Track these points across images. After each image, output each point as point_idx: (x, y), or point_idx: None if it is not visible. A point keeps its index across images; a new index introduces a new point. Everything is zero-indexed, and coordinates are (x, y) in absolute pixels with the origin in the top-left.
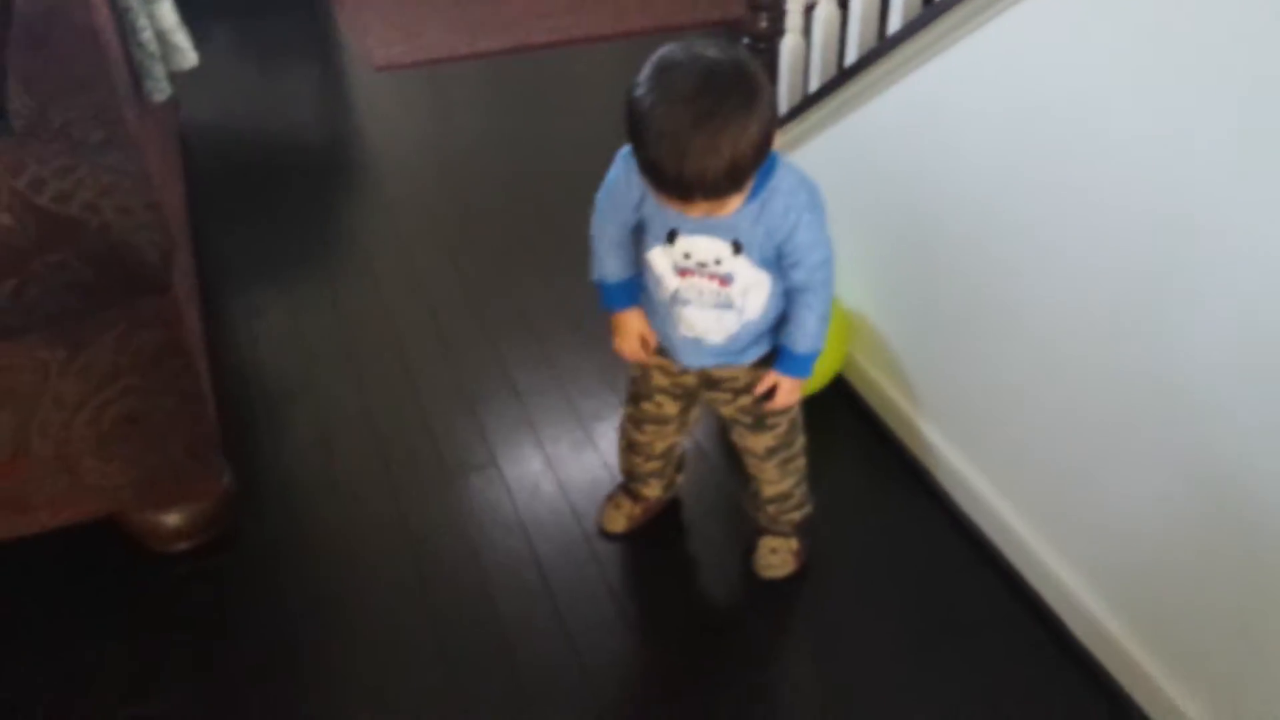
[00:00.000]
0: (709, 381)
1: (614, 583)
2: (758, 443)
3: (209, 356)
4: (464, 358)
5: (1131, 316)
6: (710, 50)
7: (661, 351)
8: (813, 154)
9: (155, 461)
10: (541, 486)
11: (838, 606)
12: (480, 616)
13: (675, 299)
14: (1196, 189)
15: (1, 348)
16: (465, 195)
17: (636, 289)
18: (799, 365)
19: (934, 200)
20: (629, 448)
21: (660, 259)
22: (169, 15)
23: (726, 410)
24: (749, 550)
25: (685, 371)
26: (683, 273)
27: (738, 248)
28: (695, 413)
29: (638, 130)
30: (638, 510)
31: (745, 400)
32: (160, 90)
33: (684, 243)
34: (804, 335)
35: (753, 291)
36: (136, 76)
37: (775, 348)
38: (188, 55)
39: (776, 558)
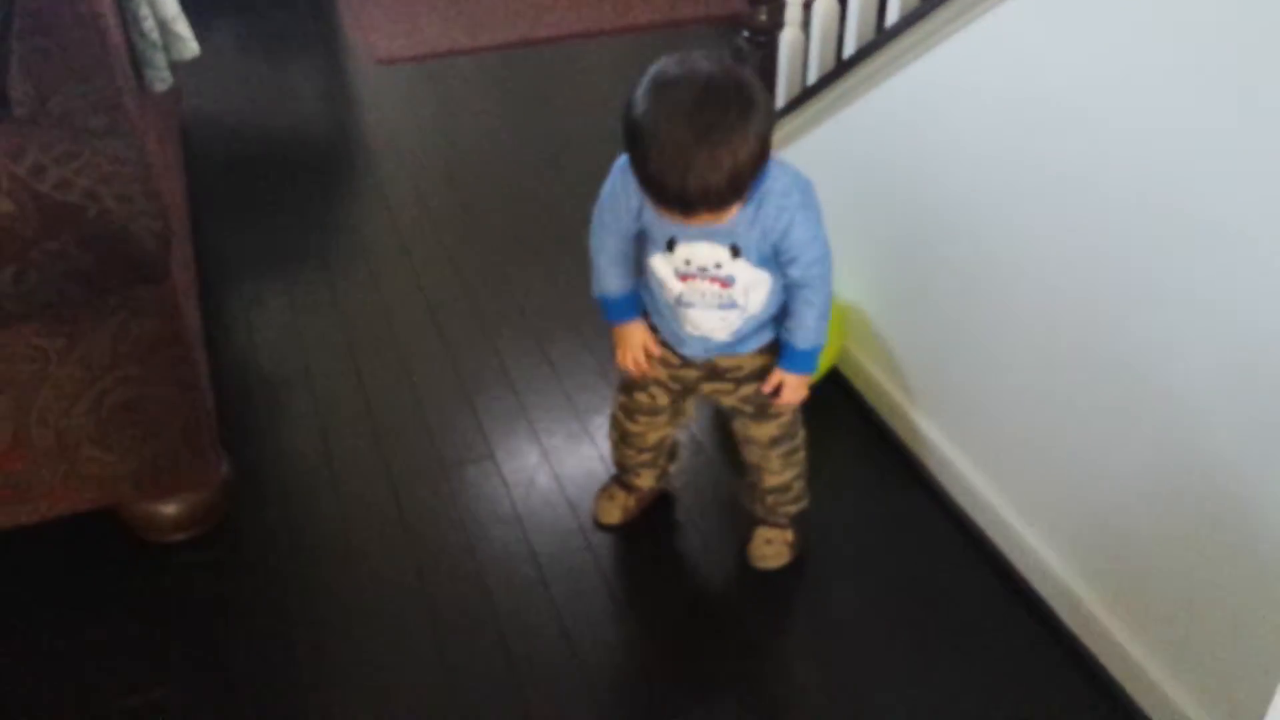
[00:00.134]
0: (711, 373)
1: (609, 574)
2: (762, 432)
3: (207, 347)
4: (462, 351)
5: (1127, 310)
6: (704, 64)
7: (663, 343)
8: (811, 146)
9: (153, 451)
10: (538, 479)
11: (833, 598)
12: (476, 607)
13: (679, 301)
14: (1193, 183)
15: (1, 335)
16: (465, 188)
17: (638, 300)
18: (802, 361)
19: (930, 192)
20: (621, 439)
21: (662, 265)
22: (170, 4)
23: (729, 401)
24: (744, 541)
25: (686, 364)
26: (684, 277)
27: (736, 251)
28: (689, 406)
29: (638, 146)
30: (631, 501)
31: (748, 389)
32: (162, 80)
33: (684, 249)
34: (805, 331)
35: (754, 290)
36: (138, 66)
37: (778, 337)
38: (189, 44)
39: (771, 548)
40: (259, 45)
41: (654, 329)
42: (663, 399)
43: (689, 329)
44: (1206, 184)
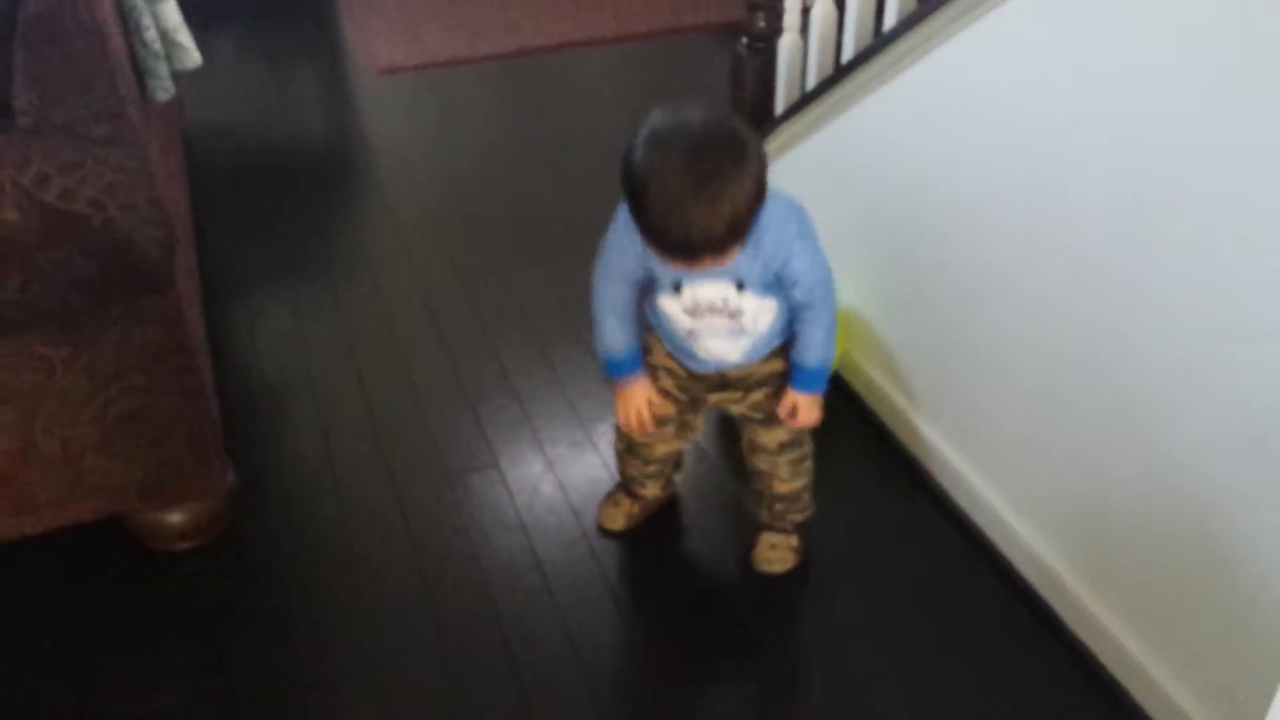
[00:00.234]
0: (721, 383)
1: (613, 581)
2: (771, 438)
3: (211, 356)
4: (465, 360)
5: (1127, 315)
6: (696, 115)
7: (670, 355)
8: (811, 151)
9: (158, 460)
10: (541, 487)
11: (835, 600)
12: (481, 615)
13: (690, 334)
14: (1187, 187)
15: (5, 345)
16: (467, 198)
17: (640, 353)
18: (812, 379)
19: (929, 195)
20: (627, 450)
21: (670, 305)
22: (173, 14)
23: (737, 409)
24: (748, 546)
25: (694, 376)
26: (694, 314)
27: (741, 285)
28: (698, 422)
29: (639, 200)
30: (636, 508)
31: (757, 396)
32: (164, 89)
33: (690, 290)
34: (812, 350)
35: (761, 315)
36: (140, 75)
37: (785, 345)
38: (191, 54)
39: (776, 553)
40: (261, 55)
41: (666, 350)
42: (670, 409)
43: (701, 355)
44: (1200, 187)
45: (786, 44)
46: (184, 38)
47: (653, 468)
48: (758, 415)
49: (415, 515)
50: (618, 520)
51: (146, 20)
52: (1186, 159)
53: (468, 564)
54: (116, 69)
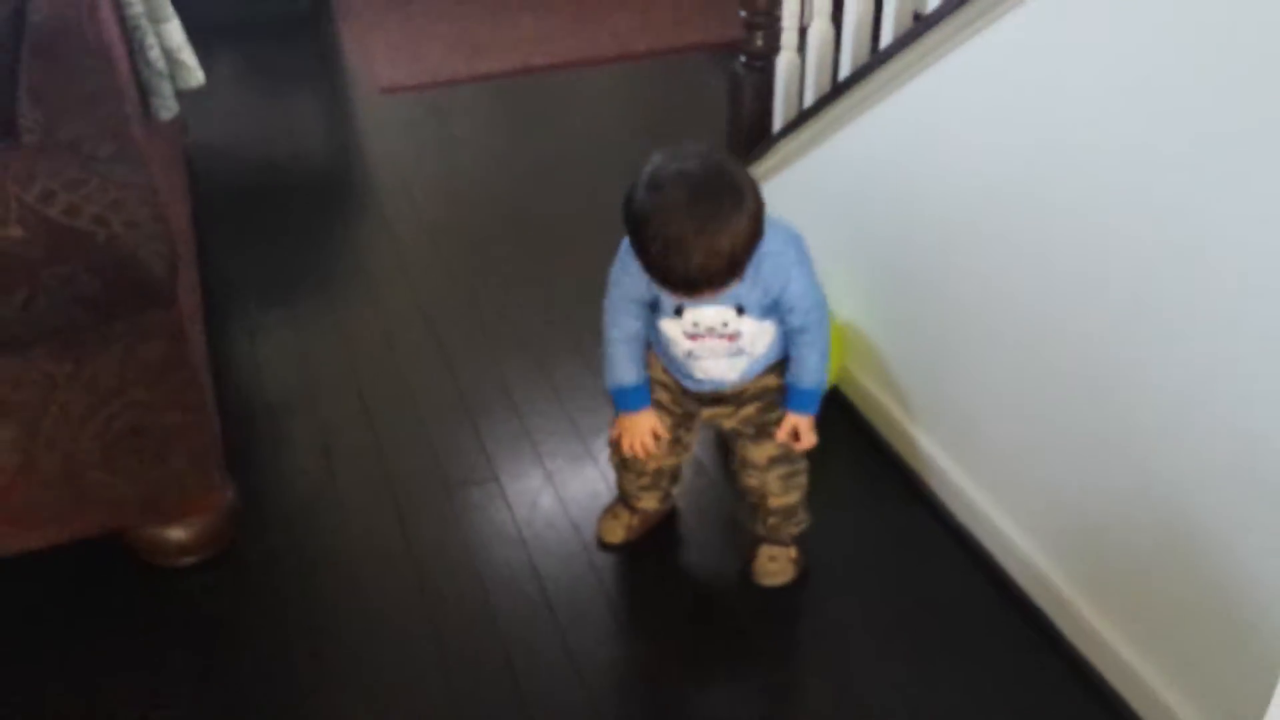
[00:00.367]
0: (714, 398)
1: (613, 594)
2: (760, 453)
3: (212, 372)
4: (464, 374)
5: (1119, 327)
6: (693, 159)
7: (666, 370)
8: (809, 167)
9: (160, 475)
10: (541, 501)
11: (835, 611)
12: (481, 628)
13: (689, 355)
14: (1185, 204)
15: (9, 360)
16: (467, 215)
17: (649, 386)
18: (809, 400)
19: (926, 211)
20: (622, 464)
21: (671, 327)
22: (176, 34)
23: (729, 424)
24: (748, 559)
25: (689, 392)
26: (693, 337)
27: (740, 310)
28: (691, 439)
29: (641, 240)
30: (635, 521)
31: (749, 410)
32: (167, 108)
33: (691, 314)
34: (808, 371)
35: (759, 338)
36: (144, 94)
37: (779, 362)
38: (194, 73)
39: (776, 565)
40: (263, 74)
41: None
42: (664, 421)
43: (699, 375)
44: (1198, 204)
45: (784, 62)
46: (187, 56)
47: (646, 480)
48: (749, 430)
49: (415, 529)
50: (617, 533)
51: (150, 39)
52: (1184, 179)
53: (467, 577)
54: (121, 88)
